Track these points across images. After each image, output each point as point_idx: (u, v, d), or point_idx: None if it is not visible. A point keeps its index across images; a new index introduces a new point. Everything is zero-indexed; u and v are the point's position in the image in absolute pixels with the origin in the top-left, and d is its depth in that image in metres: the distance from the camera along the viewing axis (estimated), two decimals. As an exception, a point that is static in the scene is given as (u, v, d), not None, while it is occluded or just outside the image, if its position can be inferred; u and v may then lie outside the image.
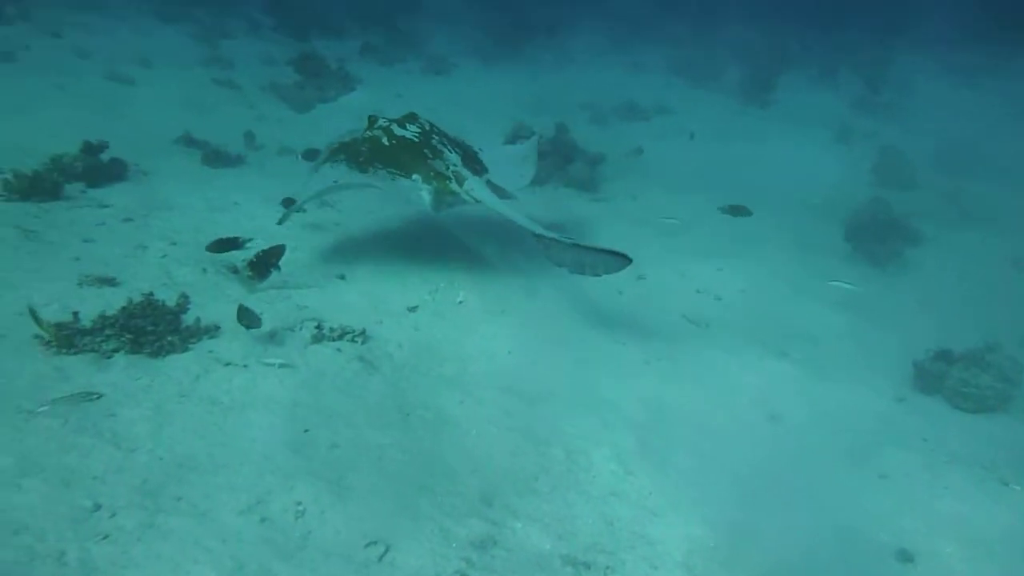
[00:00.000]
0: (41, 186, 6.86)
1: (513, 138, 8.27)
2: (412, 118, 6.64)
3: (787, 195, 9.95)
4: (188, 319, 5.29)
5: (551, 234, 5.45)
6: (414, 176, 6.15)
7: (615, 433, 4.95)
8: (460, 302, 6.35)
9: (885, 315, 7.07)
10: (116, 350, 4.77)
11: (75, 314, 4.83)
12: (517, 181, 6.95)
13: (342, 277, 6.59)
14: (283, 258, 5.94)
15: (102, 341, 4.76)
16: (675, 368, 5.79)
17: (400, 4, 22.31)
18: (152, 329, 4.93)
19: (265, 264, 5.89)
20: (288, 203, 7.16)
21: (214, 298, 5.79)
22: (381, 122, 6.51)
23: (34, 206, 6.73)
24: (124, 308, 5.01)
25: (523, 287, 6.71)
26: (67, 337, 4.66)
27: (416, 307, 6.20)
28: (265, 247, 5.90)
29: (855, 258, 8.28)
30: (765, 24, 23.39)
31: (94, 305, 5.22)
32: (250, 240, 6.33)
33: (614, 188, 9.59)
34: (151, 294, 5.22)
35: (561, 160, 9.36)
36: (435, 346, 5.71)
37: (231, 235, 6.25)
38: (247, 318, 5.19)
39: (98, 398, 4.16)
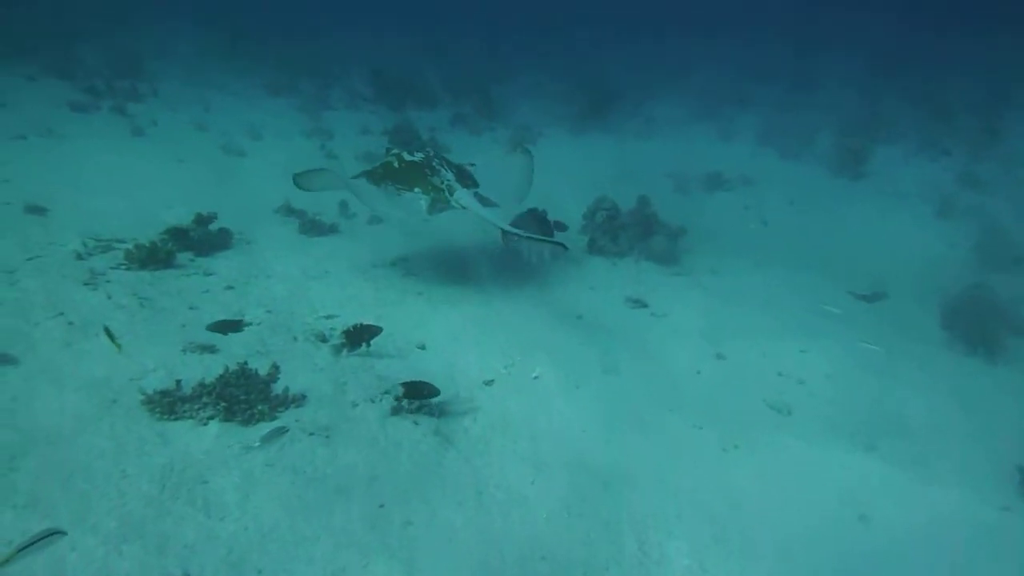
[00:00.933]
0: (156, 256, 7.48)
1: (512, 148, 9.36)
2: (420, 147, 8.46)
3: (878, 273, 9.58)
4: (277, 387, 5.58)
5: (513, 230, 6.97)
6: (416, 189, 7.58)
7: (690, 525, 4.82)
8: (535, 377, 6.40)
9: (986, 410, 6.60)
10: (212, 417, 5.08)
11: (178, 382, 5.20)
12: (511, 195, 8.30)
13: (422, 347, 6.79)
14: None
15: (199, 408, 5.09)
16: (755, 457, 5.60)
17: (493, 74, 23.32)
18: (244, 398, 5.23)
19: (359, 338, 6.34)
20: None
21: (302, 367, 6.09)
22: (395, 151, 8.04)
23: (149, 274, 7.33)
24: (221, 376, 5.36)
25: (599, 362, 6.71)
26: (169, 404, 5.01)
27: (492, 381, 6.30)
28: (364, 323, 6.38)
29: (953, 345, 7.81)
30: (861, 89, 22.95)
31: (195, 371, 5.62)
32: (249, 324, 6.68)
33: (695, 261, 9.52)
34: (245, 363, 5.56)
35: (642, 232, 9.40)
36: (510, 421, 5.76)
37: (234, 318, 6.65)
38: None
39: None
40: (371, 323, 6.50)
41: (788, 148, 16.43)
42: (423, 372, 6.29)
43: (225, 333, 6.32)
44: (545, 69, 25.82)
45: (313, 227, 9.60)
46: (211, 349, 6.08)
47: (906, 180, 14.63)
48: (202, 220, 8.36)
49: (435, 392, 5.69)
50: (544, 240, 6.84)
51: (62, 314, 6.06)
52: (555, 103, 20.54)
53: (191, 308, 6.83)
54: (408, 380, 5.77)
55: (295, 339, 6.59)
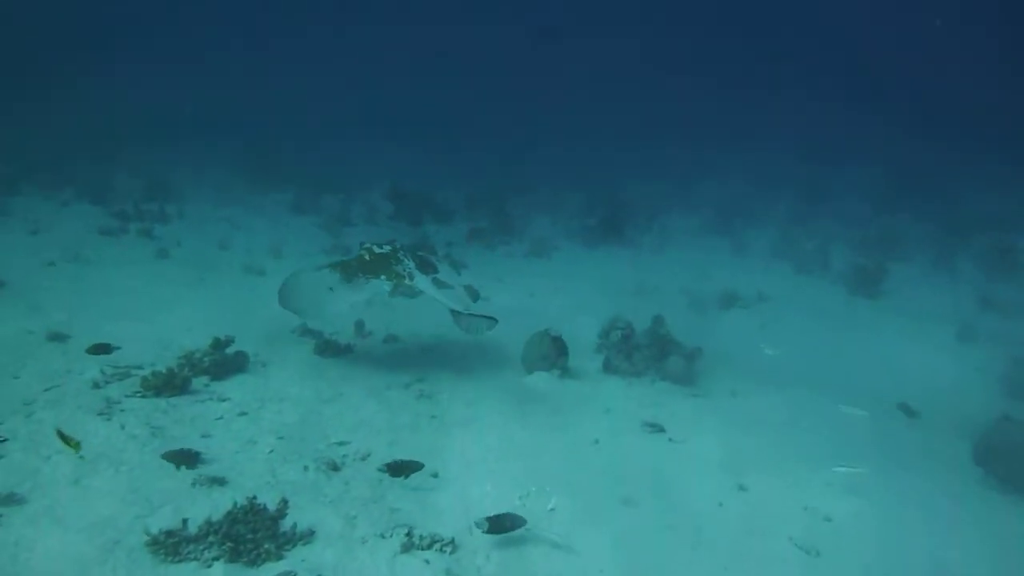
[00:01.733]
0: (172, 382, 7.52)
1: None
2: (389, 241, 9.38)
3: (901, 399, 9.39)
4: (286, 523, 5.43)
5: (458, 309, 8.35)
6: (381, 276, 8.74)
7: None
8: (551, 509, 6.18)
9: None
10: (216, 558, 4.93)
11: (184, 521, 5.08)
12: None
13: (435, 475, 6.63)
14: (379, 451, 6.29)
15: (204, 549, 4.94)
16: (784, 604, 5.27)
17: (509, 186, 24.09)
18: (251, 537, 5.08)
19: (400, 470, 6.26)
20: None
21: (312, 499, 5.94)
22: (367, 245, 9.16)
23: (164, 401, 7.34)
24: (229, 513, 5.23)
25: (619, 495, 6.48)
26: (174, 545, 4.87)
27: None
28: (405, 460, 6.32)
29: (987, 482, 7.46)
30: (875, 202, 23.26)
31: (203, 507, 5.50)
32: (118, 348, 7.22)
33: (713, 383, 9.38)
34: (254, 498, 5.45)
35: (657, 352, 9.34)
36: (524, 560, 5.52)
37: (106, 342, 7.19)
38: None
39: None
40: (412, 460, 6.37)
41: (803, 263, 16.54)
42: (436, 505, 6.12)
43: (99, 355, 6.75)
44: (558, 180, 26.71)
45: (328, 347, 9.65)
46: (221, 482, 5.98)
47: (924, 300, 14.53)
48: (219, 344, 8.44)
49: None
50: (483, 317, 8.34)
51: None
52: (570, 217, 21.07)
53: (203, 436, 6.78)
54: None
55: (306, 469, 6.48)
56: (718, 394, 9.06)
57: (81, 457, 4.88)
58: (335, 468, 6.57)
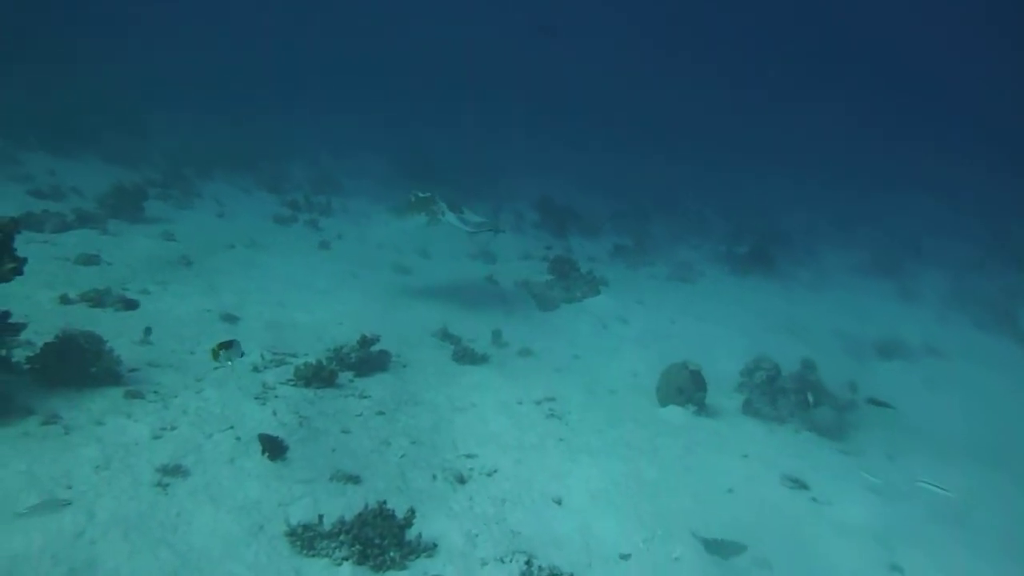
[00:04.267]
0: (320, 374, 7.97)
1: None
2: (429, 191, 12.29)
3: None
4: (411, 533, 5.56)
5: (469, 230, 11.91)
6: (422, 213, 11.97)
7: None
8: (676, 558, 5.90)
9: None
10: (346, 558, 5.13)
11: (320, 517, 5.34)
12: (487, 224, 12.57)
13: (558, 502, 6.55)
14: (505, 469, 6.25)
15: (336, 548, 5.16)
16: None
17: (660, 204, 23.60)
18: (379, 542, 5.25)
19: None
20: None
21: (437, 510, 6.06)
22: (414, 192, 12.32)
23: (312, 392, 7.79)
24: (359, 515, 5.44)
25: (752, 555, 6.08)
26: (310, 539, 5.13)
27: (629, 555, 5.89)
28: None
29: None
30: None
31: (337, 503, 5.77)
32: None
33: (866, 441, 8.59)
34: (384, 502, 5.62)
35: (804, 401, 8.70)
36: (643, 609, 5.30)
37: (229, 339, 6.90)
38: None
39: None
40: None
41: (983, 318, 14.74)
42: (557, 535, 6.03)
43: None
44: (704, 199, 25.77)
45: (466, 355, 9.84)
46: (355, 480, 6.24)
47: None
48: (365, 342, 8.85)
49: None
50: (488, 230, 12.12)
51: (232, 427, 6.54)
52: (717, 241, 20.25)
53: (343, 432, 7.11)
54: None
55: (434, 477, 6.62)
56: (872, 454, 8.29)
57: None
58: (461, 481, 6.66)
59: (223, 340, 6.71)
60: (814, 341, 10.55)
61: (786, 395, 8.86)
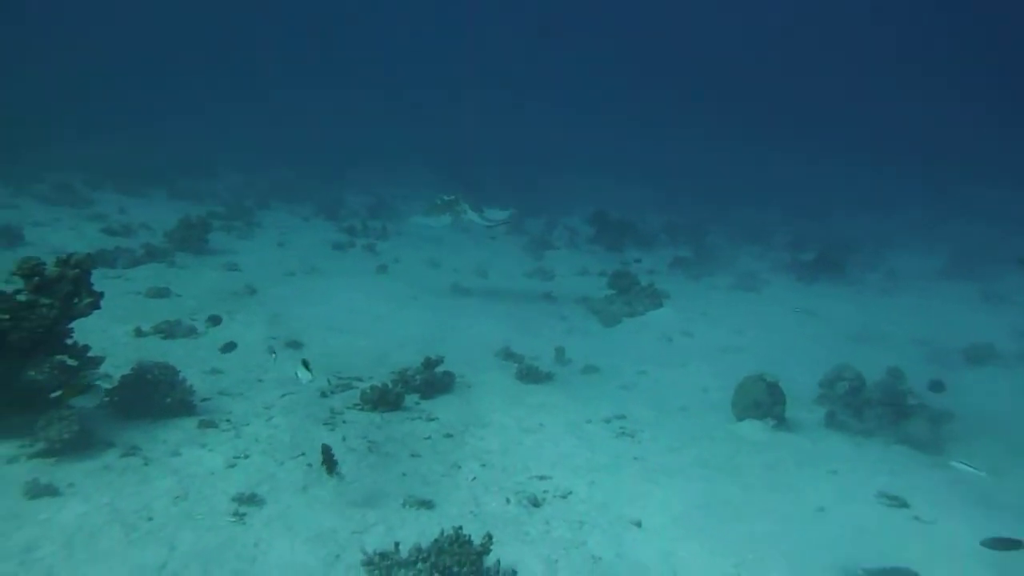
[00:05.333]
0: (386, 398, 7.90)
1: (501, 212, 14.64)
2: (452, 194, 14.11)
3: None
4: (489, 560, 5.36)
5: (488, 225, 14.22)
6: (447, 213, 13.76)
7: None
8: (769, 584, 5.54)
9: None
10: (430, 587, 4.95)
11: (396, 545, 5.19)
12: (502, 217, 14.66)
13: (638, 524, 6.26)
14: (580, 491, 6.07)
15: (413, 576, 5.00)
16: None
17: (712, 220, 23.15)
18: (457, 570, 5.06)
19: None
20: None
21: (513, 535, 5.85)
22: (439, 196, 14.13)
23: (379, 416, 7.73)
24: (436, 542, 5.26)
25: (849, 577, 5.66)
26: (387, 568, 4.98)
27: (718, 583, 5.56)
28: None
29: None
30: None
31: (412, 529, 5.64)
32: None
33: (966, 453, 8.00)
34: (460, 528, 5.44)
35: (894, 412, 8.18)
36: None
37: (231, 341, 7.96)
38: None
39: None
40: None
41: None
42: (638, 563, 5.74)
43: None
44: (763, 206, 25.06)
45: (529, 374, 9.66)
46: (428, 505, 6.10)
47: None
48: (430, 363, 8.77)
49: None
50: (504, 223, 14.56)
51: (303, 455, 6.50)
52: (780, 248, 19.62)
53: (412, 456, 7.00)
54: None
55: (508, 501, 6.42)
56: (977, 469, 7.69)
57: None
58: (536, 504, 6.45)
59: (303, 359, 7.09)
60: (894, 349, 9.95)
61: (872, 407, 8.35)
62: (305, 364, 6.92)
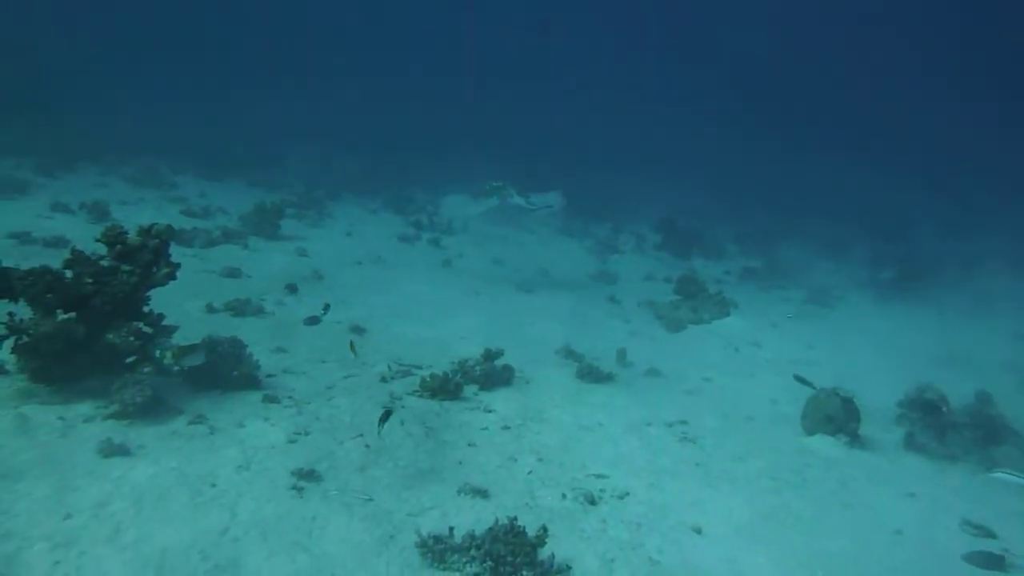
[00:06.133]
0: (446, 387, 7.87)
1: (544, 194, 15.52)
2: (502, 179, 14.99)
3: None
4: (543, 553, 5.23)
5: (531, 207, 15.16)
6: (495, 196, 14.52)
7: None
8: (839, 605, 5.22)
9: None
10: (478, 574, 4.86)
11: (451, 529, 5.12)
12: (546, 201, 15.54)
13: (698, 531, 6.02)
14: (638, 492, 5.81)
15: (467, 562, 4.92)
16: None
17: (782, 232, 22.43)
18: (511, 560, 4.95)
19: None
20: None
21: (568, 531, 5.70)
22: (489, 182, 14.84)
23: (438, 404, 7.70)
24: (490, 530, 5.17)
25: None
26: (441, 552, 4.92)
27: (782, 599, 5.28)
28: None
29: None
30: None
31: (467, 516, 5.55)
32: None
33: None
34: (515, 519, 5.33)
35: (982, 437, 7.65)
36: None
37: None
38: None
39: None
40: None
41: None
42: (699, 565, 5.51)
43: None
44: (839, 218, 24.09)
45: (590, 373, 9.47)
46: (484, 494, 6.01)
47: None
48: (490, 355, 8.69)
49: None
50: (548, 206, 15.33)
51: (362, 435, 6.51)
52: (859, 264, 18.81)
53: (469, 445, 6.93)
54: None
55: (564, 496, 6.28)
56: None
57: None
58: (592, 502, 6.28)
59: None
60: (982, 374, 9.29)
61: (958, 431, 7.82)
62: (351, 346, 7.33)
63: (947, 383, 8.90)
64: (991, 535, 6.29)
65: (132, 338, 6.56)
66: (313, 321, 8.90)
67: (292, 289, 9.79)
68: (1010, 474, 6.68)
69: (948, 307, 15.27)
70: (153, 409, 6.15)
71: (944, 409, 7.97)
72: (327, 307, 9.05)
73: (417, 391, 7.90)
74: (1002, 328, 13.48)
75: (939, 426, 7.95)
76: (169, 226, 7.04)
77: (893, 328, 13.95)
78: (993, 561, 5.82)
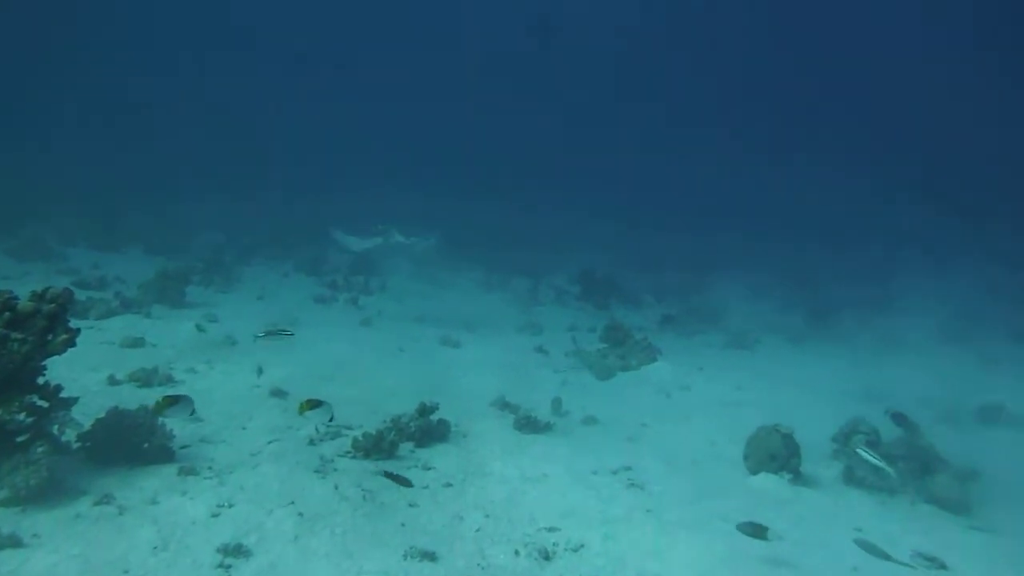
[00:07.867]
0: (380, 446, 7.37)
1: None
2: (387, 223, 21.25)
3: None
4: (503, 618, 4.81)
5: (411, 242, 22.09)
6: (378, 237, 21.24)
7: None
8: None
9: None
10: (434, 649, 4.38)
11: (403, 600, 4.63)
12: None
13: None
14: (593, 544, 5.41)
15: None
16: None
17: (693, 286, 23.27)
18: (471, 629, 4.50)
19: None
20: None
21: (527, 592, 5.30)
22: (375, 224, 21.50)
23: (372, 464, 7.17)
24: (446, 597, 4.72)
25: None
26: (393, 626, 4.41)
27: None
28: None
29: None
30: None
31: (416, 585, 5.06)
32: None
33: (1001, 518, 7.55)
34: (470, 583, 4.91)
35: (918, 468, 7.80)
36: None
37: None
38: None
39: None
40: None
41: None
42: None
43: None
44: (749, 269, 25.17)
45: (528, 424, 9.17)
46: (431, 557, 5.55)
47: None
48: (424, 410, 8.26)
49: None
50: (419, 241, 21.56)
51: (293, 503, 5.93)
52: (773, 312, 19.56)
53: (411, 505, 6.45)
54: None
55: (517, 553, 5.90)
56: (1013, 531, 7.26)
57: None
58: (547, 557, 5.92)
59: (311, 399, 6.73)
60: (900, 408, 9.57)
61: (894, 463, 7.93)
62: (314, 404, 6.73)
63: (870, 417, 9.13)
64: (943, 566, 6.31)
65: (24, 414, 5.77)
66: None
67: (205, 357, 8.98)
68: (870, 455, 7.57)
69: (854, 345, 16.00)
70: (50, 492, 5.37)
71: (877, 443, 8.13)
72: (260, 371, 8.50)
73: (350, 452, 7.35)
74: (907, 363, 14.17)
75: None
76: (67, 289, 6.36)
77: (810, 366, 14.41)
78: None
